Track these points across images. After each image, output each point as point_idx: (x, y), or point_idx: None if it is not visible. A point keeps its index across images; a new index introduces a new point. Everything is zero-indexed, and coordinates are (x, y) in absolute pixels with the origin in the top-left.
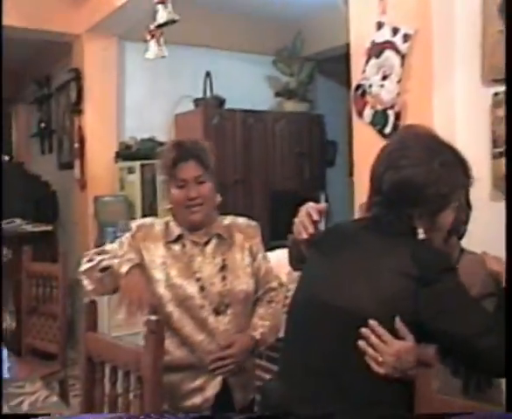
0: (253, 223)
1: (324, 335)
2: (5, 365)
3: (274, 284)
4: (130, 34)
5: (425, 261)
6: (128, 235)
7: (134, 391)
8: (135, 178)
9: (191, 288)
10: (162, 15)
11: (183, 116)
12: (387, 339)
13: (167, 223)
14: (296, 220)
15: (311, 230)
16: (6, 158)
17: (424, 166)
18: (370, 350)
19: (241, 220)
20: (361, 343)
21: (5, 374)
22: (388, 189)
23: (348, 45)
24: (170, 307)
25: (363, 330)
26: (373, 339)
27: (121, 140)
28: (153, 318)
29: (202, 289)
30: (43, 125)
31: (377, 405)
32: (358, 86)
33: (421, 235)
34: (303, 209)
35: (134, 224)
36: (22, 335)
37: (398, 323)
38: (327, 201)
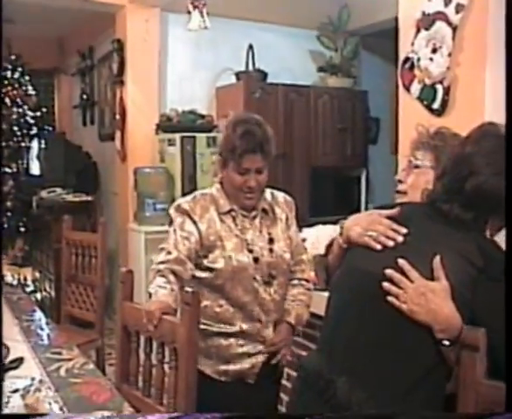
0: (289, 198)
1: (372, 311)
2: (44, 332)
3: (304, 256)
4: (172, 5)
5: (493, 256)
6: (179, 219)
7: (168, 363)
8: (176, 150)
9: (246, 259)
10: None
11: (224, 89)
12: (414, 276)
13: (212, 196)
14: (371, 233)
15: (400, 238)
16: (49, 128)
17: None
18: (393, 288)
19: (279, 194)
20: (385, 284)
21: (44, 341)
22: (471, 194)
23: (396, 19)
24: (225, 278)
25: (388, 271)
26: (396, 275)
27: (161, 112)
28: (189, 290)
29: (256, 260)
30: (85, 96)
31: (413, 388)
32: (406, 60)
33: (488, 234)
34: (377, 220)
35: (185, 203)
36: (61, 303)
37: (437, 263)
38: (367, 178)
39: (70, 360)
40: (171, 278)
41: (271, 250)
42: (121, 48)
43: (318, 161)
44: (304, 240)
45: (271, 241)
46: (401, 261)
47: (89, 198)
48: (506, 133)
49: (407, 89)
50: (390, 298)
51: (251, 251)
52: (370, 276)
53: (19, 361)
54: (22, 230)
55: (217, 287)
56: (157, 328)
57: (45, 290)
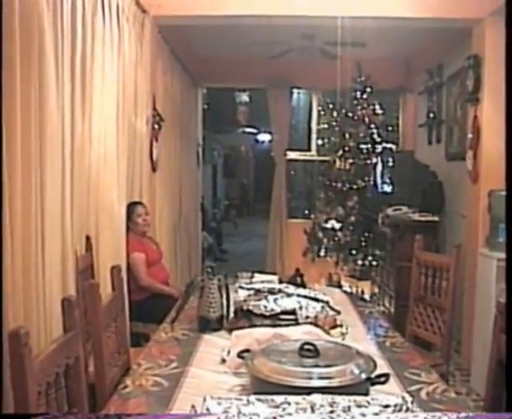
0: None
1: None
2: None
3: None
4: None
5: None
6: None
7: None
8: None
9: None
10: None
11: None
12: None
13: None
14: None
15: None
16: (393, 147)
17: None
18: None
19: None
20: None
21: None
22: None
23: None
24: None
25: None
26: None
27: None
28: None
29: None
30: (431, 115)
31: None
32: None
33: None
34: None
35: None
36: (402, 321)
37: None
38: None
39: (430, 383)
40: None
41: None
42: (478, 64)
43: None
44: None
45: None
46: None
47: (435, 218)
48: (506, 132)
49: None
50: None
51: None
52: None
53: (386, 377)
54: (363, 244)
55: None
56: None
57: (384, 305)
